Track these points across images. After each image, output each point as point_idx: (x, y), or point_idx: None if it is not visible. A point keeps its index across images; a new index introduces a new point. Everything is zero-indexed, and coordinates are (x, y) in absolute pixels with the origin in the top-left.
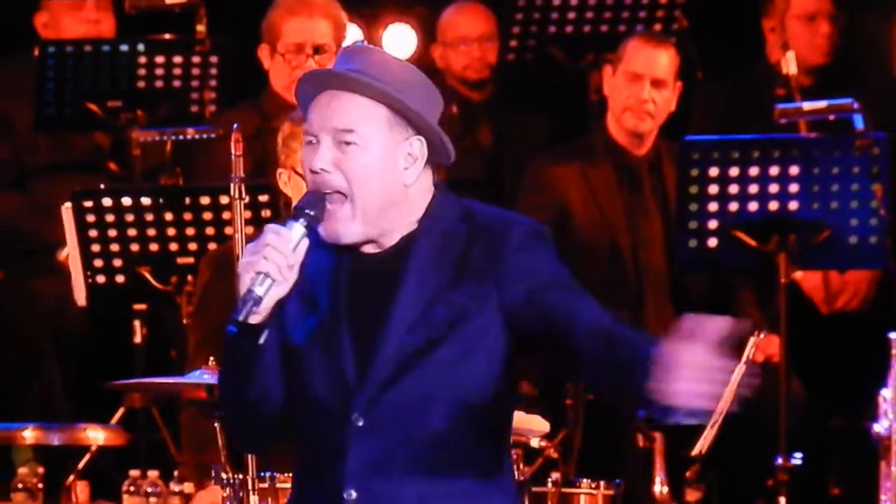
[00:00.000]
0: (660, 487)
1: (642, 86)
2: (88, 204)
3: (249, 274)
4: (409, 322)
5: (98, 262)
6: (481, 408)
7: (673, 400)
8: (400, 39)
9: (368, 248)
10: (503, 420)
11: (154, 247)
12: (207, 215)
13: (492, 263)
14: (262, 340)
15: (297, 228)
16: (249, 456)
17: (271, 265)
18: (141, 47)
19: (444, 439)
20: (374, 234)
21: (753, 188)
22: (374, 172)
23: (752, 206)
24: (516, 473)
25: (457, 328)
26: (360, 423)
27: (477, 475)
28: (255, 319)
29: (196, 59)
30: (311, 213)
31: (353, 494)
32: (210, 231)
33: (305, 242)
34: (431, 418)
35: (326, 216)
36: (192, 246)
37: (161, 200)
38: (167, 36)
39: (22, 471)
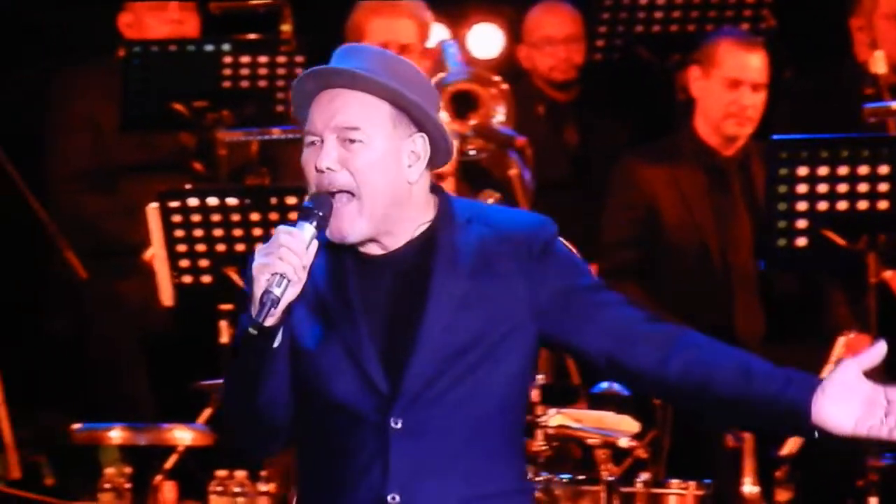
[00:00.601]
0: (749, 488)
1: (742, 91)
2: (174, 204)
3: (265, 275)
4: (441, 325)
5: (184, 263)
6: (509, 409)
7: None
8: (486, 39)
9: (372, 250)
10: (523, 421)
11: (240, 247)
12: (294, 215)
13: (521, 264)
14: (276, 343)
15: (308, 229)
16: None
17: (287, 266)
18: (226, 47)
19: (477, 441)
20: (379, 233)
21: (842, 187)
22: (379, 170)
23: (842, 206)
24: (605, 473)
25: (485, 332)
26: (399, 426)
27: (509, 476)
28: (270, 322)
29: (281, 59)
30: (321, 213)
31: (397, 498)
32: None
33: (315, 243)
34: (466, 421)
35: (333, 214)
36: None
37: (247, 200)
38: (252, 36)
39: (109, 471)
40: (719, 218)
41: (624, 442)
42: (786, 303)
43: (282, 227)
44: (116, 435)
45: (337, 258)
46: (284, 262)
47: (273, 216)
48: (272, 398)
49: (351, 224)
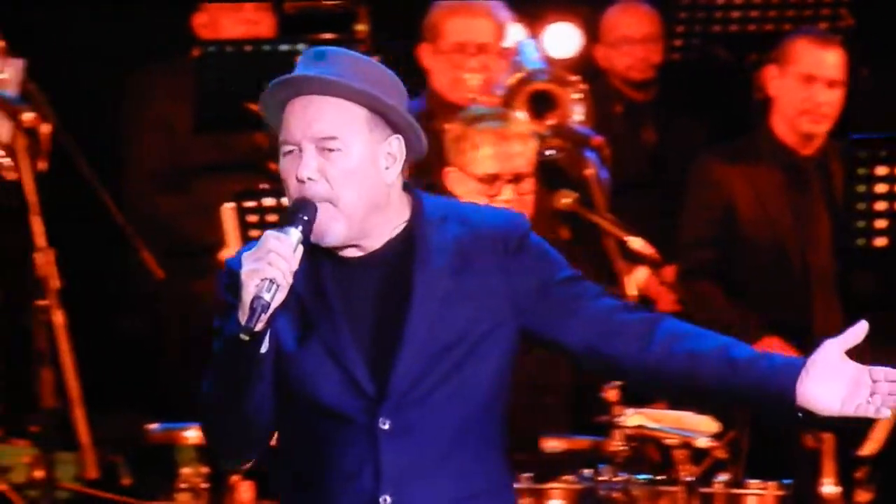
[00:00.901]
0: (829, 488)
1: (817, 88)
2: (250, 204)
3: (254, 281)
4: (425, 325)
5: None
6: (493, 405)
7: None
8: (562, 39)
9: (350, 252)
10: (505, 416)
11: None
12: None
13: (498, 261)
14: (264, 349)
15: (294, 233)
16: None
17: (276, 271)
18: (301, 47)
19: (464, 439)
20: (357, 237)
21: None
22: (357, 176)
23: None
24: (684, 473)
25: (468, 329)
26: (387, 427)
27: (496, 472)
28: (258, 327)
29: None
30: (306, 217)
31: (389, 500)
32: None
33: (301, 248)
34: (454, 419)
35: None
36: None
37: None
38: (327, 35)
39: (186, 471)
40: (797, 217)
41: (703, 442)
42: (864, 302)
43: (269, 233)
44: (193, 435)
45: (315, 261)
46: (273, 267)
47: None
48: (258, 404)
49: (329, 226)
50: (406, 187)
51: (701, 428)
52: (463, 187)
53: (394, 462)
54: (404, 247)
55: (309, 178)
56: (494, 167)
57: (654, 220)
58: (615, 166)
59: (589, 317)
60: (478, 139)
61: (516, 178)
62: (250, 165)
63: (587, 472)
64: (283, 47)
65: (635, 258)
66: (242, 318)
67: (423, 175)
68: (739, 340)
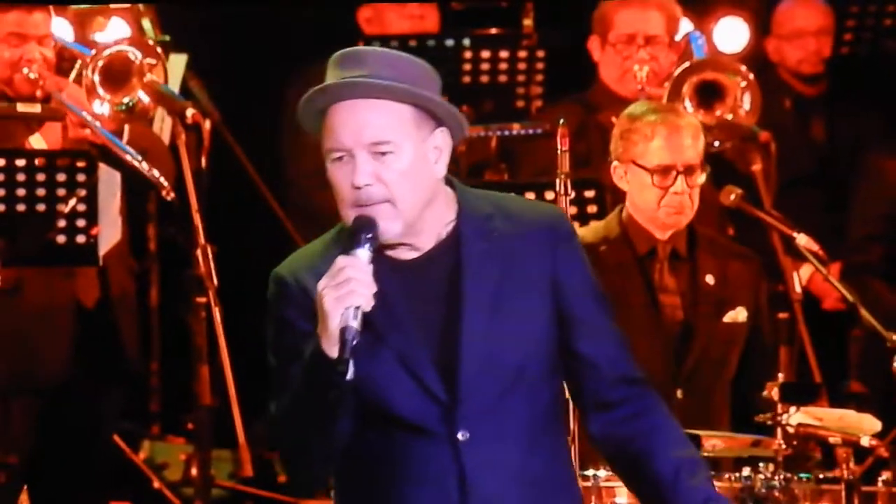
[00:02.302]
0: None
1: None
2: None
3: (339, 310)
4: (481, 332)
5: None
6: (556, 400)
7: None
8: (732, 32)
9: (404, 255)
10: (560, 408)
11: None
12: None
13: (544, 257)
14: (350, 375)
15: (364, 254)
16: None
17: (360, 298)
18: (466, 42)
19: (539, 441)
20: (412, 234)
21: None
22: (411, 175)
23: None
24: (846, 472)
25: (519, 329)
26: (467, 438)
27: (565, 469)
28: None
29: (522, 54)
30: (370, 235)
31: None
32: None
33: (371, 267)
34: (525, 422)
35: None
36: None
37: None
38: (493, 30)
39: None
40: None
41: (865, 441)
42: None
43: (342, 259)
44: None
45: (373, 270)
46: (357, 294)
47: None
48: (343, 428)
49: (388, 226)
50: (447, 181)
51: (864, 426)
52: (633, 182)
53: (478, 472)
54: (454, 247)
55: (366, 185)
56: (668, 158)
57: (821, 217)
58: (783, 161)
59: (590, 353)
60: (649, 131)
61: (688, 170)
62: None
63: (747, 470)
64: (448, 42)
65: (801, 255)
66: (329, 346)
67: (586, 170)
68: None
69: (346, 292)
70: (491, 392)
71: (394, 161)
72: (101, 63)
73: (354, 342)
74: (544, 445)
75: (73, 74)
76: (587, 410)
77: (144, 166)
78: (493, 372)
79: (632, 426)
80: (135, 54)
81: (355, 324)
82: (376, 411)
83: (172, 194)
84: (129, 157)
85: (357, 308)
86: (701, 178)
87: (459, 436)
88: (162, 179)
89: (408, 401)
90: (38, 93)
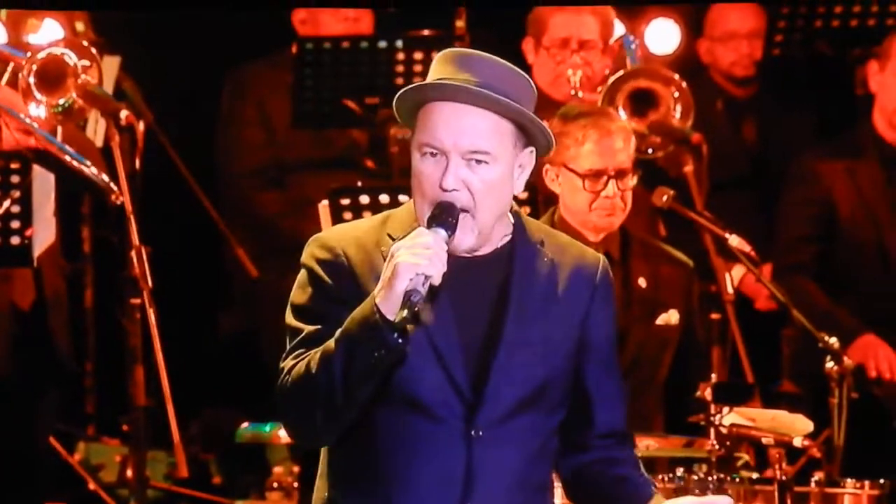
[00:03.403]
0: None
1: None
2: (345, 201)
3: (410, 273)
4: (517, 344)
5: None
6: (555, 430)
7: None
8: (663, 34)
9: (462, 253)
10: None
11: None
12: None
13: (583, 294)
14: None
15: (443, 234)
16: None
17: (434, 269)
18: (399, 43)
19: (541, 458)
20: (482, 243)
21: None
22: (497, 189)
23: None
24: (778, 473)
25: (550, 351)
26: (481, 435)
27: (550, 487)
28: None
29: None
30: (453, 220)
31: None
32: None
33: (446, 247)
34: (536, 436)
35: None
36: None
37: None
38: (426, 32)
39: (277, 470)
40: None
41: (798, 441)
42: None
43: (423, 230)
44: (285, 434)
45: None
46: (431, 264)
47: None
48: (371, 392)
49: (465, 237)
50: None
51: (796, 427)
52: (565, 185)
53: (485, 471)
54: (507, 259)
55: (454, 189)
56: (599, 162)
57: (753, 218)
58: (715, 163)
59: (587, 392)
60: (580, 134)
61: (620, 174)
62: (347, 162)
63: (681, 470)
64: (382, 44)
65: (733, 256)
66: (387, 307)
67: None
68: None
69: (422, 259)
70: (513, 401)
71: (485, 172)
72: (35, 66)
73: (417, 308)
74: (544, 464)
75: (5, 77)
76: (565, 447)
77: (93, 171)
78: (520, 383)
79: (603, 472)
80: (69, 56)
81: (423, 290)
82: (398, 392)
83: (122, 198)
84: (75, 162)
85: (427, 277)
86: (632, 181)
87: (474, 433)
88: (112, 185)
89: (433, 390)
90: None
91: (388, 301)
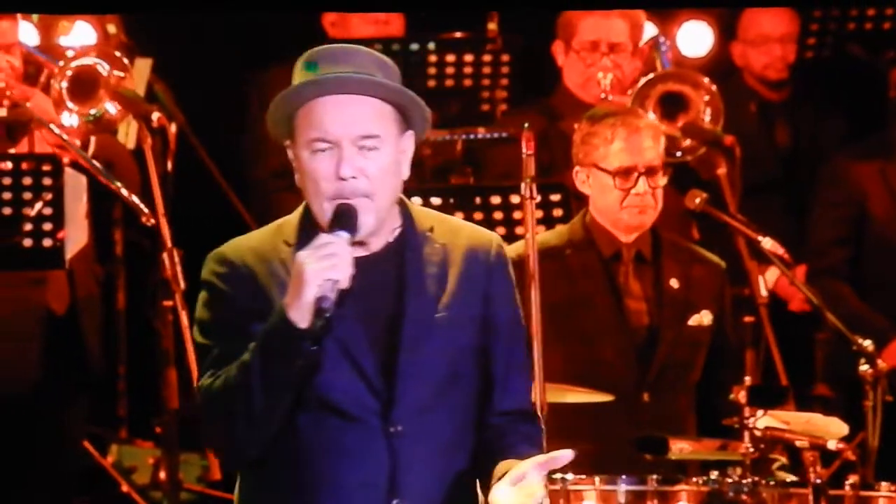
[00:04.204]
0: None
1: None
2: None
3: (318, 280)
4: (421, 334)
5: None
6: (476, 408)
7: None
8: (696, 37)
9: (356, 252)
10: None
11: None
12: (498, 215)
13: (482, 270)
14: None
15: (346, 237)
16: None
17: (341, 273)
18: (431, 46)
19: (464, 440)
20: (375, 232)
21: None
22: (390, 173)
23: None
24: (813, 476)
25: (455, 335)
26: (399, 430)
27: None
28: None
29: (487, 58)
30: (353, 221)
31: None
32: (501, 231)
33: (351, 249)
34: (450, 422)
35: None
36: None
37: (451, 200)
38: (458, 34)
39: None
40: None
41: (832, 444)
42: None
43: (326, 236)
44: None
45: None
46: (338, 269)
47: (477, 215)
48: (289, 402)
49: (365, 220)
50: None
51: (830, 430)
52: (595, 185)
53: (408, 466)
54: (399, 251)
55: (352, 177)
56: (628, 160)
57: (786, 220)
58: (747, 166)
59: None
60: (609, 133)
61: (650, 171)
62: None
63: (715, 473)
64: (413, 46)
65: (766, 258)
66: (299, 316)
67: (551, 175)
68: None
69: (329, 265)
70: (427, 391)
71: (377, 157)
72: (69, 74)
73: (328, 315)
74: (467, 444)
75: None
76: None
77: (124, 192)
78: (430, 373)
79: (490, 440)
80: (103, 66)
81: (332, 296)
82: (315, 396)
83: (153, 220)
84: (104, 180)
85: (336, 282)
86: (662, 179)
87: (392, 429)
88: (142, 206)
89: (348, 391)
90: (5, 102)
91: (299, 310)
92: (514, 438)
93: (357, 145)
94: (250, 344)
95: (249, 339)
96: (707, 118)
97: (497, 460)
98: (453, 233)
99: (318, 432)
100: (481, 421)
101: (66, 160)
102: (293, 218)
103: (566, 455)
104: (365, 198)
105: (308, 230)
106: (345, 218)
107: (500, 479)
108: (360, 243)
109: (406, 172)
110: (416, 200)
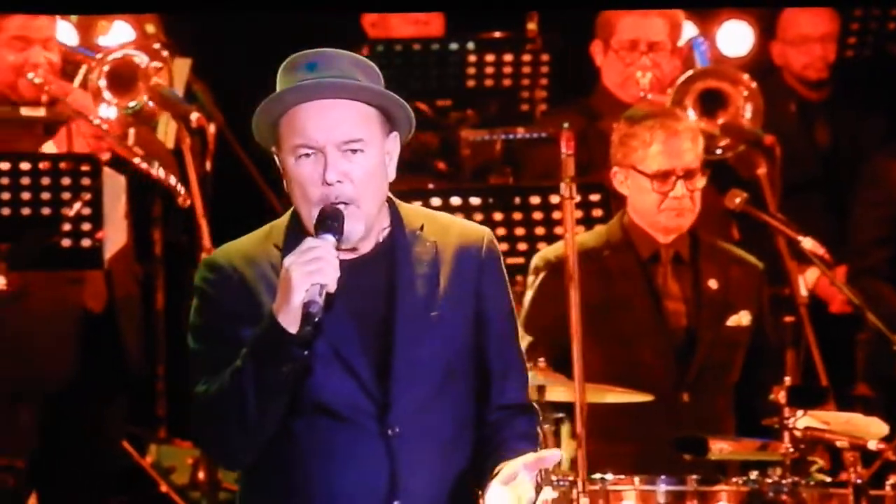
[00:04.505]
0: None
1: None
2: (417, 204)
3: (305, 285)
4: (413, 334)
5: None
6: (472, 404)
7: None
8: (736, 37)
9: (343, 255)
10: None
11: None
12: (537, 215)
13: (473, 266)
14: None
15: (332, 240)
16: (580, 455)
17: (327, 277)
18: (471, 46)
19: (457, 449)
20: (365, 237)
21: None
22: (376, 176)
23: None
24: (853, 476)
25: (448, 333)
26: (397, 432)
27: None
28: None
29: (526, 58)
30: (337, 224)
31: None
32: (540, 231)
33: (337, 253)
34: (447, 421)
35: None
36: (522, 246)
37: (490, 200)
38: (497, 34)
39: None
40: None
41: (873, 444)
42: None
43: (311, 240)
44: None
45: None
46: (324, 272)
47: (516, 216)
48: (283, 407)
49: (353, 228)
50: None
51: (871, 430)
52: (633, 186)
53: (408, 467)
54: (389, 252)
55: (337, 181)
56: (667, 163)
57: (826, 220)
58: (787, 165)
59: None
60: (648, 136)
61: (688, 174)
62: (418, 165)
63: (755, 474)
64: (453, 46)
65: (806, 258)
66: (288, 321)
67: (590, 175)
68: None
69: (315, 269)
70: (423, 391)
71: (362, 160)
72: (106, 67)
73: (317, 319)
74: (466, 442)
75: (78, 79)
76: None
77: (161, 173)
78: (424, 373)
79: (487, 436)
80: (140, 58)
81: (320, 300)
82: (310, 401)
83: (189, 201)
84: (143, 165)
85: (323, 286)
86: (701, 181)
87: (390, 431)
88: (179, 186)
89: (343, 395)
90: (44, 97)
91: (287, 315)
92: (510, 433)
93: (341, 150)
94: (242, 349)
95: (241, 345)
96: (747, 115)
97: (492, 456)
98: (443, 230)
99: (316, 437)
100: (479, 418)
101: (105, 157)
102: (282, 221)
103: (554, 455)
104: (351, 205)
105: (296, 234)
106: (330, 220)
107: (493, 478)
108: (352, 249)
109: (392, 174)
110: (455, 200)
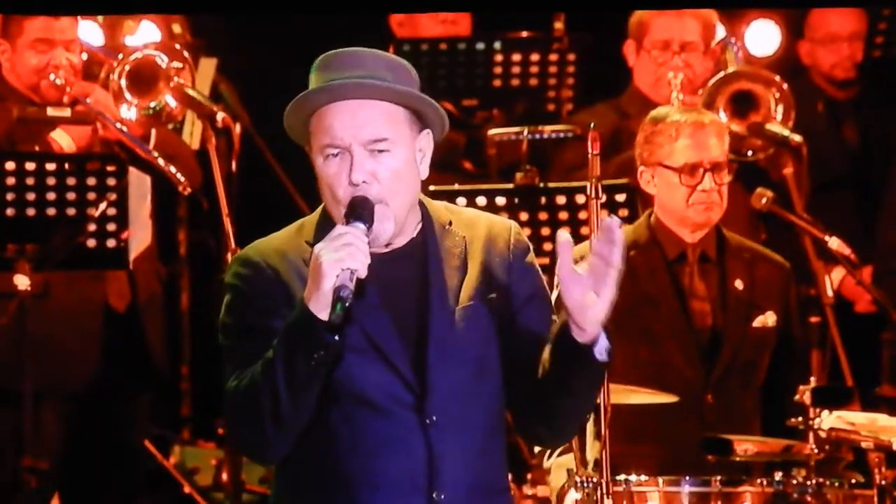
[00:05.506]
0: None
1: None
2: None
3: (336, 270)
4: (447, 325)
5: None
6: (503, 397)
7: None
8: (764, 36)
9: (380, 249)
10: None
11: None
12: (563, 215)
13: (503, 260)
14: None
15: (361, 227)
16: (604, 457)
17: (358, 262)
18: (497, 45)
19: (496, 431)
20: (397, 234)
21: None
22: (404, 175)
23: None
24: (878, 477)
25: (480, 325)
26: (435, 421)
27: (506, 468)
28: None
29: (553, 57)
30: (368, 213)
31: (443, 496)
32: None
33: (367, 239)
34: (482, 410)
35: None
36: (547, 246)
37: (516, 200)
38: (524, 34)
39: None
40: None
41: None
42: None
43: (341, 227)
44: None
45: None
46: (355, 258)
47: (542, 216)
48: (315, 397)
49: (383, 227)
50: None
51: None
52: (661, 184)
53: (446, 455)
54: (421, 246)
55: (363, 182)
56: (694, 156)
57: (853, 220)
58: (815, 165)
59: (527, 337)
60: (673, 131)
61: (715, 167)
62: (445, 164)
63: (779, 474)
64: (479, 45)
65: (833, 258)
66: (319, 307)
67: (628, 176)
68: None
69: (346, 254)
70: (457, 379)
71: (389, 160)
72: (127, 68)
73: (348, 304)
74: (499, 434)
75: (101, 79)
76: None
77: (161, 162)
78: (459, 363)
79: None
80: (161, 58)
81: (351, 286)
82: (348, 392)
83: (189, 189)
84: (142, 152)
85: (353, 271)
86: (728, 176)
87: (428, 421)
88: (179, 175)
89: (381, 385)
90: (65, 99)
91: (318, 301)
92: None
93: (367, 149)
94: (274, 342)
95: (273, 339)
96: (778, 116)
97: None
98: (471, 224)
99: (355, 428)
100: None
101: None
102: (313, 218)
103: (613, 221)
104: (380, 204)
105: (327, 230)
106: (359, 209)
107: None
108: (385, 244)
109: (425, 172)
110: (481, 201)
